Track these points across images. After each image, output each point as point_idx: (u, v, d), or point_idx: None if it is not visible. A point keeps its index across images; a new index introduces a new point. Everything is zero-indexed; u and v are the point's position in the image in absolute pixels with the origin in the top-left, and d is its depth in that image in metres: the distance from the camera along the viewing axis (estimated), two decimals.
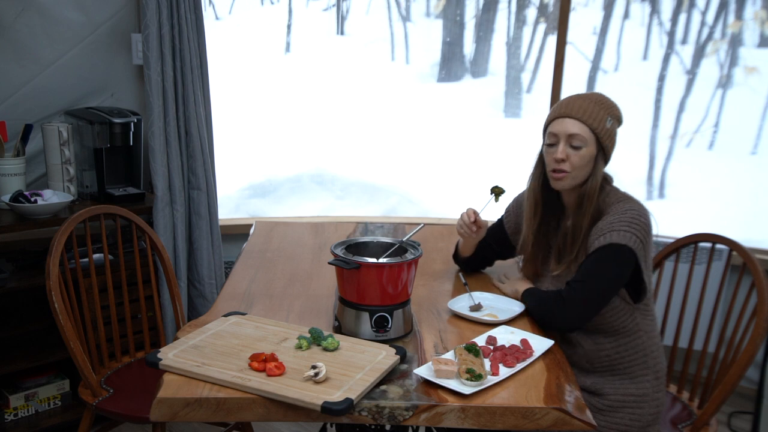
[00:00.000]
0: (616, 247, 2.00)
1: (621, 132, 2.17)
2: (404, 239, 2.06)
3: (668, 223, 3.37)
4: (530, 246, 2.30)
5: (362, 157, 4.65)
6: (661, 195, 4.17)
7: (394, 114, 4.62)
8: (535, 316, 2.14)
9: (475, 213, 2.39)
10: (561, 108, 2.13)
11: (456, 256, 2.59)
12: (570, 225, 2.16)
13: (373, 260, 1.88)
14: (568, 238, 2.16)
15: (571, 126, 2.08)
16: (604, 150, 2.10)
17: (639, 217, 2.04)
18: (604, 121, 2.08)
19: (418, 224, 2.18)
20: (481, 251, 2.50)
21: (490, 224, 2.48)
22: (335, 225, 3.16)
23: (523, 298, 2.22)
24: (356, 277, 1.88)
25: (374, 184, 4.69)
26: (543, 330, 2.09)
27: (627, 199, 2.12)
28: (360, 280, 1.88)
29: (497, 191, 2.30)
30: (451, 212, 4.42)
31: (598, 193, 2.12)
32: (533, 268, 2.33)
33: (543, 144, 2.20)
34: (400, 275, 1.90)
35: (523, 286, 2.28)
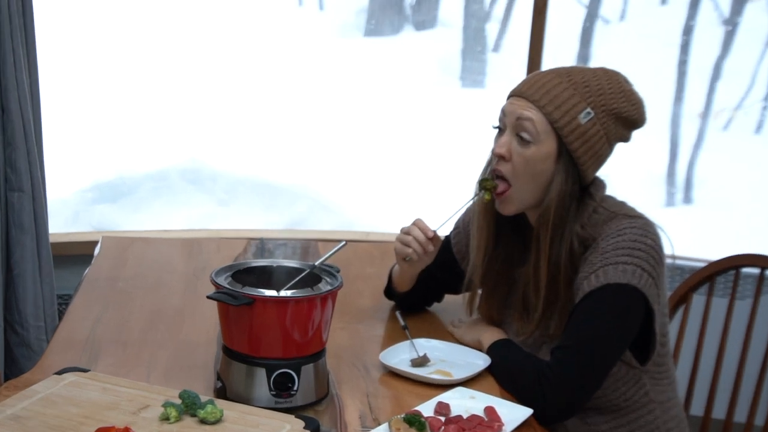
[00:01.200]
0: (615, 288, 1.97)
1: None
2: (317, 263, 2.06)
3: (697, 239, 3.37)
4: (481, 284, 2.31)
5: (256, 146, 4.64)
6: (687, 199, 4.20)
7: (302, 83, 4.61)
8: (508, 389, 2.10)
9: (434, 232, 2.28)
10: (521, 83, 2.12)
11: (389, 290, 2.58)
12: (530, 268, 2.13)
13: (273, 293, 1.88)
14: (531, 286, 2.13)
15: (523, 108, 2.05)
16: (572, 156, 2.04)
17: (643, 238, 2.01)
18: (575, 112, 2.02)
19: (338, 242, 2.16)
20: (423, 282, 2.48)
21: None
22: (217, 242, 3.19)
23: (490, 355, 2.19)
24: (248, 317, 1.88)
25: (273, 183, 4.69)
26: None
27: (621, 213, 2.09)
28: (253, 321, 1.88)
29: (488, 185, 2.15)
30: (385, 224, 4.42)
31: (569, 217, 2.07)
32: (489, 314, 2.34)
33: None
34: (310, 315, 1.91)
35: (491, 335, 2.26)
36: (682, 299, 2.72)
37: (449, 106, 4.55)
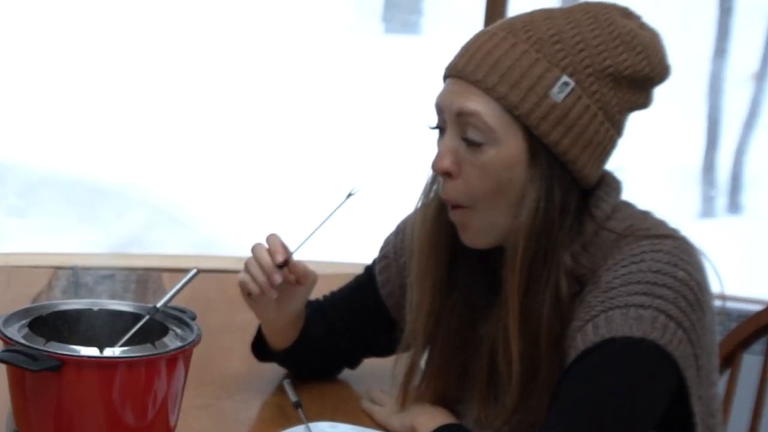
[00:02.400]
0: (623, 345, 1.90)
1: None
2: (160, 305, 2.04)
3: (748, 267, 3.37)
4: (427, 345, 2.29)
5: (66, 132, 4.63)
6: (734, 208, 4.23)
7: (136, 41, 4.62)
8: None
9: (285, 249, 2.27)
10: (457, 56, 2.05)
11: (259, 347, 2.57)
12: (500, 326, 2.07)
13: (93, 351, 1.85)
14: (499, 352, 2.08)
15: (463, 95, 1.99)
16: (552, 150, 1.98)
17: (671, 268, 1.92)
18: (542, 86, 1.93)
19: (191, 270, 2.13)
20: (325, 338, 2.49)
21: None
22: (6, 272, 3.20)
23: None
24: (54, 389, 1.85)
25: (95, 182, 4.67)
26: None
27: (639, 233, 2.04)
28: (63, 396, 1.85)
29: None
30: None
31: (555, 244, 2.00)
32: (438, 391, 2.30)
33: None
34: (151, 386, 1.89)
35: (430, 419, 2.22)
36: (727, 359, 2.70)
37: (367, 60, 4.56)
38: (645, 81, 2.01)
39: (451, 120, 1.98)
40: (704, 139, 4.18)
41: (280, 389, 2.48)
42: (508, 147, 1.93)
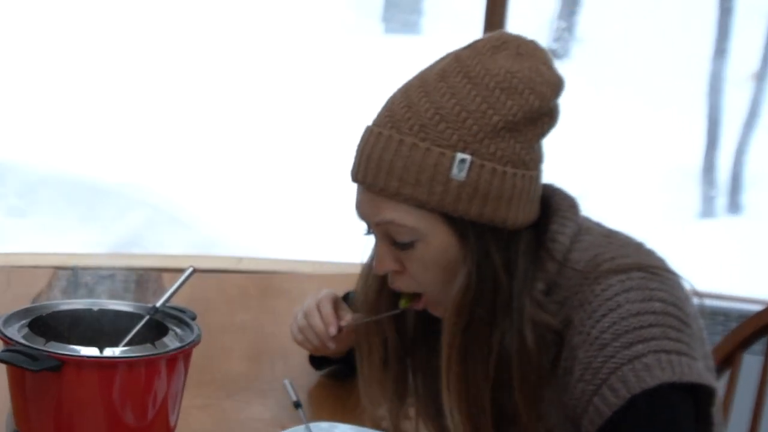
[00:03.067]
0: (646, 400, 1.90)
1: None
2: (159, 305, 2.04)
3: (748, 267, 3.38)
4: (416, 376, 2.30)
5: (65, 132, 4.63)
6: (734, 208, 4.24)
7: (136, 39, 4.62)
8: None
9: (336, 319, 2.33)
10: (356, 165, 2.04)
11: (320, 360, 2.61)
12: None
13: (92, 352, 1.85)
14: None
15: (375, 210, 2.00)
16: (476, 222, 1.97)
17: (648, 304, 1.91)
18: (441, 175, 1.91)
19: (186, 269, 2.13)
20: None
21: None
22: (6, 272, 3.20)
23: None
24: (54, 389, 1.85)
25: (94, 182, 4.67)
26: None
27: (603, 269, 2.00)
28: (63, 396, 1.85)
29: (405, 304, 2.12)
30: (265, 247, 4.42)
31: (515, 300, 2.03)
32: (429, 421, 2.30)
33: None
34: (151, 386, 1.89)
35: None
36: (726, 360, 2.70)
37: (367, 60, 4.56)
38: (539, 112, 1.96)
39: (375, 228, 2.00)
40: (704, 139, 4.18)
41: (280, 389, 2.48)
42: (436, 237, 1.94)
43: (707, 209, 4.09)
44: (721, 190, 4.24)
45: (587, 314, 1.90)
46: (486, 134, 1.88)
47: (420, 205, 1.89)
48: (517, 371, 1.96)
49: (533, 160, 1.96)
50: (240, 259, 4.35)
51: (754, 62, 4.12)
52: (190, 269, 2.10)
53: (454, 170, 1.85)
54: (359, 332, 2.18)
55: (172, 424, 1.96)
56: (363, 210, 1.99)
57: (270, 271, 3.91)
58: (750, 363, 2.93)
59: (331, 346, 2.32)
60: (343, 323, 2.29)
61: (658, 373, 1.82)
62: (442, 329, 1.98)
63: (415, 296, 2.02)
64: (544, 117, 1.95)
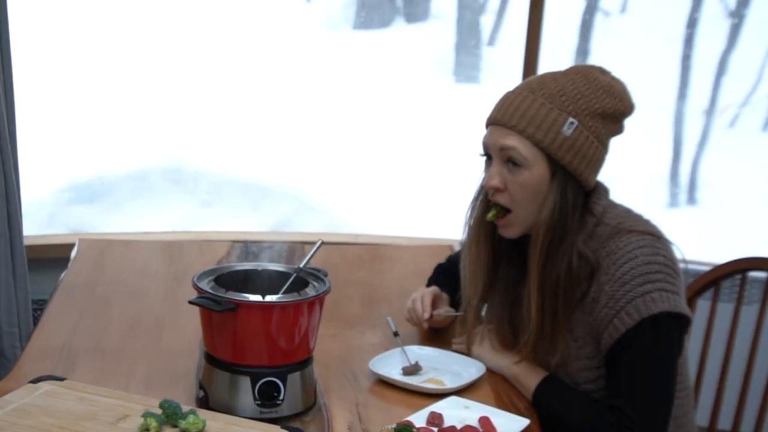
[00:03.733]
0: (652, 321, 1.98)
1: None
2: (301, 266, 2.05)
3: (701, 242, 3.37)
4: (494, 303, 2.30)
5: (240, 145, 4.63)
6: (691, 200, 4.21)
7: (287, 79, 4.60)
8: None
9: (430, 308, 2.35)
10: (495, 110, 2.11)
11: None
12: (526, 290, 2.12)
13: (257, 298, 1.87)
14: (525, 308, 2.13)
15: (503, 137, 2.05)
16: (567, 169, 2.04)
17: (655, 257, 2.02)
18: (556, 126, 2.01)
19: (316, 242, 2.14)
20: (448, 286, 2.52)
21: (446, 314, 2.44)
22: (199, 245, 3.20)
23: (539, 401, 2.14)
24: (231, 323, 1.87)
25: (258, 183, 4.68)
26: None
27: (625, 229, 2.08)
28: (237, 328, 1.88)
29: (492, 216, 2.15)
30: (375, 226, 4.42)
31: (568, 234, 2.05)
32: (497, 337, 2.29)
33: None
34: (297, 321, 1.91)
35: (533, 375, 2.16)
36: (687, 303, 2.70)
37: (443, 102, 4.54)
38: (620, 116, 2.12)
39: (496, 153, 2.07)
40: (671, 154, 4.17)
41: (384, 324, 2.47)
42: (538, 169, 2.03)
43: (673, 202, 4.10)
44: (683, 188, 4.22)
45: (612, 261, 2.03)
46: (590, 113, 2.04)
47: (535, 143, 2.01)
48: (563, 286, 2.05)
49: (607, 145, 2.12)
50: (357, 235, 4.35)
51: (704, 103, 4.12)
52: (319, 242, 2.12)
53: (565, 127, 2.01)
54: (471, 241, 2.24)
55: (311, 347, 1.98)
56: (493, 140, 2.08)
57: (377, 243, 3.91)
58: (702, 306, 2.93)
59: (425, 326, 2.35)
60: (435, 313, 2.34)
61: (661, 304, 1.96)
62: (532, 242, 2.07)
63: (500, 216, 2.09)
64: (620, 122, 2.14)
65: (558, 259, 2.05)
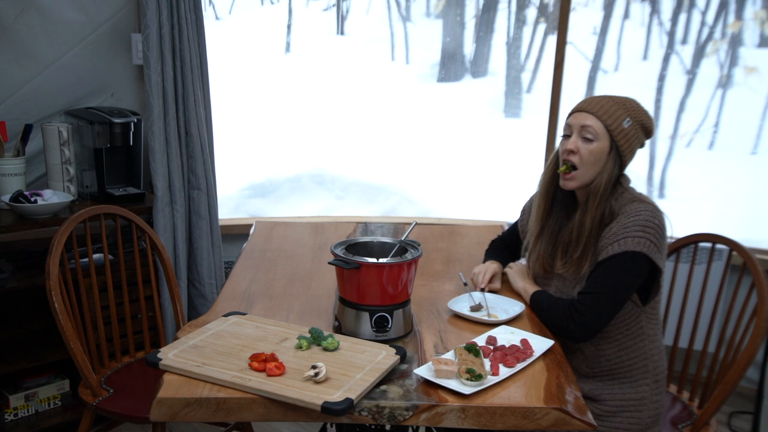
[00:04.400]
0: (631, 255, 1.98)
1: None
2: (402, 239, 2.05)
3: (668, 223, 3.39)
4: (540, 242, 2.30)
5: (362, 157, 4.65)
6: (661, 195, 4.18)
7: (394, 114, 4.61)
8: (544, 322, 2.13)
9: (486, 280, 2.36)
10: (582, 103, 2.14)
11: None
12: (576, 222, 2.14)
13: (373, 260, 1.88)
14: (573, 235, 2.14)
15: (586, 118, 2.08)
16: (619, 150, 2.08)
17: (653, 219, 2.01)
18: (620, 120, 2.06)
19: (420, 225, 2.17)
20: (500, 256, 2.52)
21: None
22: (335, 225, 3.16)
23: (532, 300, 2.21)
24: (356, 277, 1.88)
25: (374, 184, 4.68)
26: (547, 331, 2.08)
27: (640, 199, 2.09)
28: (360, 280, 1.88)
29: (563, 169, 2.19)
30: (451, 212, 4.41)
31: (609, 193, 2.09)
32: (542, 265, 2.30)
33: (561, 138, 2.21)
34: (400, 275, 1.90)
35: (532, 288, 2.26)
36: None
37: (496, 131, 4.54)
38: (649, 133, 2.13)
39: (577, 128, 2.10)
40: (648, 164, 4.14)
41: (457, 278, 2.46)
42: (602, 143, 2.07)
43: (648, 195, 4.11)
44: (656, 187, 4.17)
45: (624, 216, 2.03)
46: (638, 121, 2.08)
47: (606, 125, 2.05)
48: (599, 224, 2.09)
49: (638, 148, 2.13)
50: (439, 219, 4.35)
51: (669, 131, 4.07)
52: (414, 223, 2.13)
53: (624, 122, 2.04)
54: (539, 192, 2.29)
55: (409, 292, 1.96)
56: (577, 120, 2.10)
57: (453, 223, 3.89)
58: (669, 265, 2.96)
59: (480, 289, 2.33)
60: (488, 287, 2.33)
61: (642, 248, 1.96)
62: (593, 192, 2.10)
63: (567, 172, 2.12)
64: (646, 138, 2.15)
65: (601, 207, 2.09)
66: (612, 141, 2.07)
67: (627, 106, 2.09)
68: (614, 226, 2.04)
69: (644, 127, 2.11)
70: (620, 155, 2.09)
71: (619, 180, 2.13)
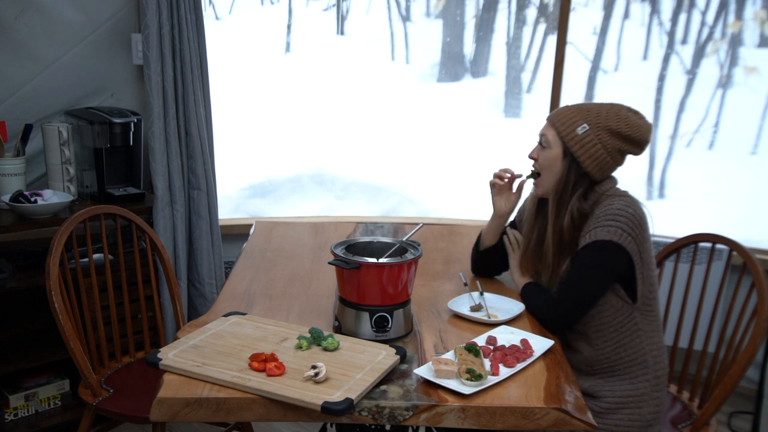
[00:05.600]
0: (600, 244, 2.00)
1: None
2: (404, 239, 2.05)
3: (668, 223, 3.37)
4: (530, 244, 2.31)
5: (362, 157, 4.65)
6: (661, 195, 4.17)
7: (394, 114, 4.61)
8: (531, 313, 2.18)
9: (510, 172, 2.37)
10: (552, 114, 2.18)
11: (476, 248, 2.53)
12: (549, 227, 2.18)
13: (374, 260, 1.87)
14: (549, 239, 2.17)
15: (545, 127, 2.16)
16: (573, 155, 2.09)
17: (625, 208, 2.01)
18: (574, 126, 2.07)
19: (418, 224, 2.17)
20: (493, 254, 2.48)
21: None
22: (335, 225, 3.16)
23: (522, 292, 2.26)
24: (356, 277, 1.88)
25: (374, 184, 4.68)
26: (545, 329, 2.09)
27: (615, 194, 2.09)
28: (360, 280, 1.88)
29: (533, 175, 2.26)
30: (451, 212, 4.41)
31: (570, 196, 2.11)
32: (532, 267, 2.32)
33: None
34: (400, 275, 1.90)
35: (524, 280, 2.30)
36: (657, 264, 2.68)
37: (496, 131, 4.54)
38: (630, 139, 2.08)
39: (540, 138, 2.17)
40: (648, 165, 4.13)
41: (458, 278, 2.46)
42: (555, 150, 2.12)
43: (649, 196, 4.08)
44: (656, 187, 4.17)
45: (598, 210, 2.04)
46: (600, 126, 2.06)
47: (558, 132, 2.09)
48: (567, 231, 2.11)
49: (615, 155, 2.09)
50: (440, 219, 4.35)
51: (669, 131, 4.07)
52: (421, 224, 2.15)
53: (579, 129, 2.05)
54: (529, 197, 2.35)
55: (409, 292, 1.96)
56: (541, 129, 2.16)
57: (452, 223, 3.90)
58: (668, 266, 2.97)
59: (506, 178, 2.36)
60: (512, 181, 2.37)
61: (611, 235, 1.97)
62: (550, 202, 2.15)
63: (534, 179, 2.20)
64: (627, 144, 2.09)
65: (562, 213, 2.12)
66: (565, 147, 2.10)
67: (590, 112, 2.09)
68: (590, 222, 2.06)
69: (614, 132, 2.07)
70: (575, 160, 2.09)
71: (591, 185, 2.13)
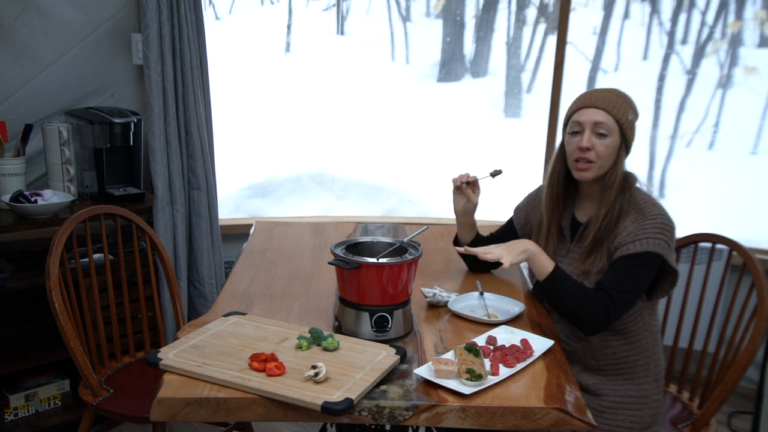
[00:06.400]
0: (653, 256, 2.01)
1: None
2: (405, 240, 2.05)
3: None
4: (548, 236, 2.29)
5: (362, 157, 4.65)
6: (661, 195, 4.18)
7: (394, 114, 4.61)
8: (560, 304, 2.08)
9: (470, 176, 2.41)
10: (586, 98, 2.13)
11: (456, 242, 2.55)
12: (592, 216, 2.16)
13: (373, 260, 1.87)
14: (589, 228, 2.14)
15: (597, 115, 2.09)
16: (626, 142, 2.11)
17: (669, 222, 2.06)
18: (627, 113, 2.09)
19: (418, 224, 2.17)
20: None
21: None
22: (335, 225, 3.16)
23: (552, 277, 2.09)
24: (356, 277, 1.88)
25: (374, 184, 4.68)
26: (561, 317, 2.10)
27: (653, 203, 2.11)
28: (360, 280, 1.88)
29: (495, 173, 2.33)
30: (451, 212, 4.41)
31: (621, 185, 2.12)
32: (552, 245, 2.30)
33: (565, 134, 2.20)
34: (400, 275, 1.90)
35: (549, 260, 2.13)
36: None
37: (496, 131, 4.54)
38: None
39: (589, 125, 2.10)
40: (648, 165, 4.14)
41: (460, 277, 2.46)
42: (615, 138, 2.10)
43: None
44: (656, 187, 4.19)
45: (640, 215, 2.07)
46: (635, 114, 2.12)
47: (617, 120, 2.09)
48: (601, 221, 2.12)
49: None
50: (439, 219, 4.35)
51: (669, 131, 4.08)
52: (426, 226, 2.18)
53: (629, 114, 2.08)
54: (551, 181, 2.27)
55: (409, 292, 1.96)
56: (589, 117, 2.10)
57: (452, 223, 3.90)
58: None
59: (465, 178, 2.42)
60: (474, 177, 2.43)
61: (662, 249, 1.99)
62: (610, 182, 2.12)
63: (582, 163, 2.13)
64: None
65: (619, 198, 2.12)
66: (622, 134, 2.10)
67: (627, 99, 2.12)
68: (630, 225, 2.06)
69: (637, 116, 2.15)
70: (627, 146, 2.13)
71: (629, 173, 2.17)
